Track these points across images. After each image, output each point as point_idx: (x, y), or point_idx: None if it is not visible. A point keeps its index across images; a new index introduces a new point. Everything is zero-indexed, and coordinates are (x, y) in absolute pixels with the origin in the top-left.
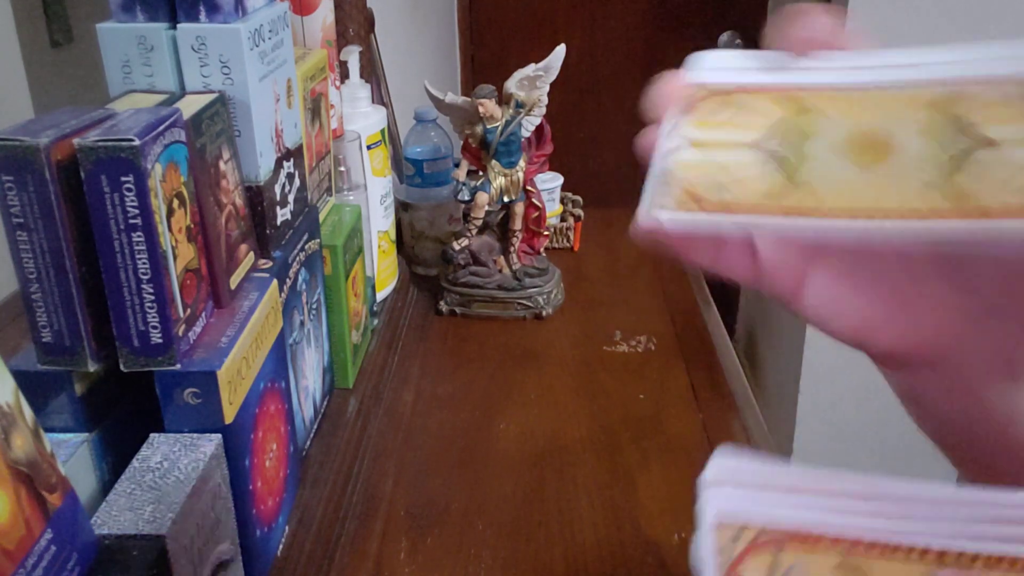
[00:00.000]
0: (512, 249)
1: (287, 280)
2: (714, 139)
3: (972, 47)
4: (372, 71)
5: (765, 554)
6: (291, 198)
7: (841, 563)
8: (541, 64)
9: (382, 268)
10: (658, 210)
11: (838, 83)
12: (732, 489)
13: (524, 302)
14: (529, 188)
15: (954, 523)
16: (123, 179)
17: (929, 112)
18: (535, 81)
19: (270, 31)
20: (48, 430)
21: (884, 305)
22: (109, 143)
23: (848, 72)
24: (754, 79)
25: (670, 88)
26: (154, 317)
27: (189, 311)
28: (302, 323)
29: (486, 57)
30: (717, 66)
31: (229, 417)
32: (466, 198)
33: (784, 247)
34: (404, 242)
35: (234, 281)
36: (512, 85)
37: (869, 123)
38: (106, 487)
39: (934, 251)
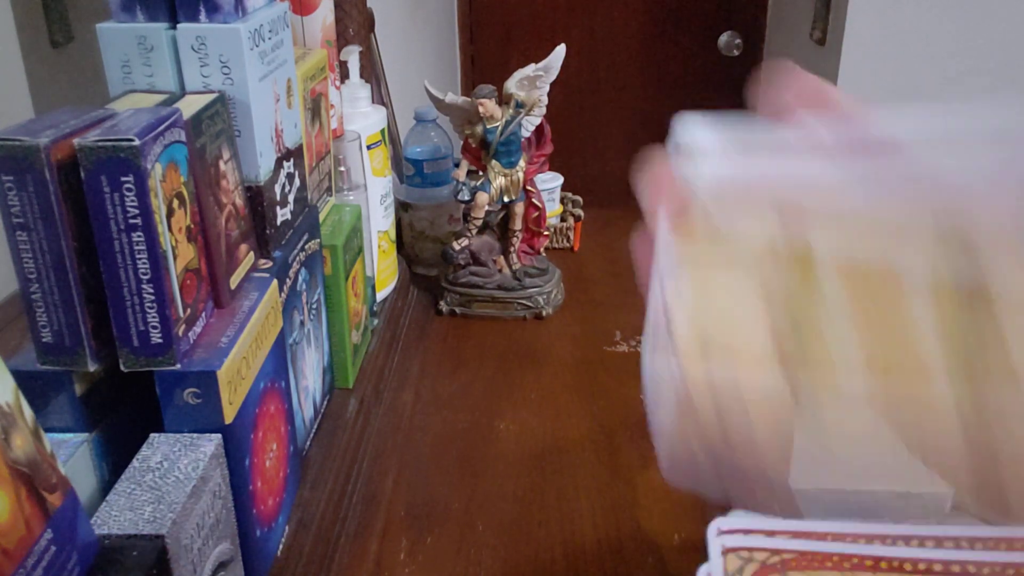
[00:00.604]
0: (512, 249)
1: (287, 280)
2: (713, 260)
3: (959, 112)
4: (372, 71)
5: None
6: (291, 198)
7: None
8: (541, 64)
9: (382, 268)
10: (666, 365)
11: (830, 182)
12: (739, 518)
13: (524, 302)
14: (529, 188)
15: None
16: (123, 179)
17: (940, 249)
18: (535, 81)
19: (270, 31)
20: (48, 430)
21: None
22: (109, 143)
23: (840, 159)
24: (742, 173)
25: (662, 184)
26: (154, 317)
27: (189, 311)
28: (302, 323)
29: (486, 57)
30: (704, 148)
31: (229, 417)
32: (466, 198)
33: None
34: (404, 242)
35: (234, 281)
36: (512, 85)
37: (871, 256)
38: (106, 487)
39: None
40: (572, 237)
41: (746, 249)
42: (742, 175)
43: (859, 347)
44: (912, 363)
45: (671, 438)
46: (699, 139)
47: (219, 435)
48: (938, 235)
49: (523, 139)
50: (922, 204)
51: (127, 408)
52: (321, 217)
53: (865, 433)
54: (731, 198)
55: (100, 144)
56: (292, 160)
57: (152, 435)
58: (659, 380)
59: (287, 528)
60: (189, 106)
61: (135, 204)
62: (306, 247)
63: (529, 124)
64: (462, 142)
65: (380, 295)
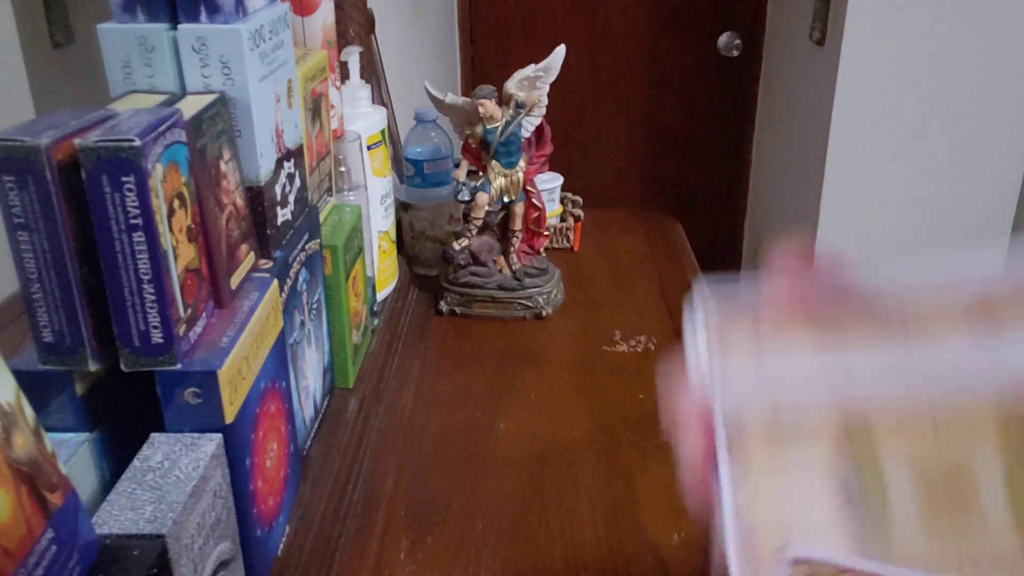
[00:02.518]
0: (512, 249)
1: (287, 280)
2: (778, 467)
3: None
4: (372, 71)
5: None
6: (291, 198)
7: None
8: (541, 64)
9: (382, 268)
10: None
11: (890, 391)
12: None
13: (524, 302)
14: (529, 188)
15: None
16: (124, 179)
17: (1004, 439)
18: (535, 81)
19: (271, 32)
20: (49, 430)
21: None
22: (110, 143)
23: (885, 368)
24: (784, 366)
25: (688, 412)
26: (155, 317)
27: (190, 311)
28: (302, 323)
29: (486, 57)
30: (718, 328)
31: (230, 417)
32: (466, 198)
33: None
34: (404, 242)
35: (235, 281)
36: (512, 85)
37: (942, 459)
38: (107, 487)
39: None
40: (572, 237)
41: (812, 455)
42: (789, 386)
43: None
44: (988, 556)
45: None
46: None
47: (220, 435)
48: (1005, 424)
49: (523, 139)
50: (983, 394)
51: (128, 408)
52: (321, 217)
53: None
54: (787, 414)
55: (101, 144)
56: (292, 160)
57: (153, 435)
58: None
59: (287, 528)
60: (190, 106)
61: (136, 204)
62: (306, 247)
63: (529, 124)
64: (462, 142)
65: (380, 295)
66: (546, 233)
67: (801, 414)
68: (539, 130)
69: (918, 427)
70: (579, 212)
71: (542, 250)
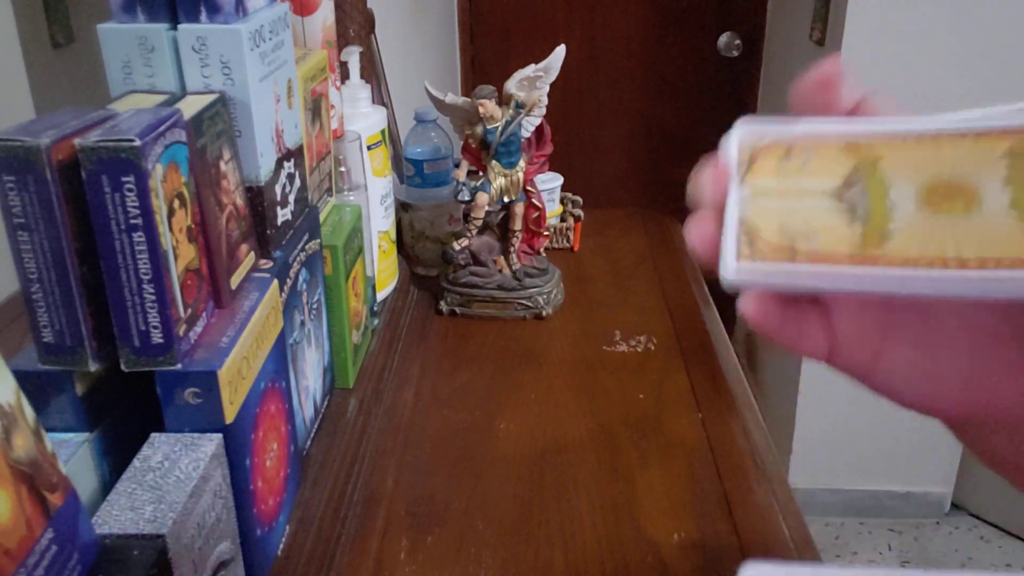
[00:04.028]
0: (512, 249)
1: (287, 280)
2: (787, 187)
3: None
4: (372, 71)
5: None
6: (291, 198)
7: None
8: (541, 64)
9: (382, 268)
10: (749, 263)
11: (903, 130)
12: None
13: (524, 302)
14: (529, 188)
15: None
16: (124, 179)
17: (1012, 160)
18: (535, 81)
19: (271, 32)
20: (49, 430)
21: (961, 373)
22: (110, 143)
23: (910, 122)
24: (812, 128)
25: (716, 171)
26: (155, 317)
27: (190, 311)
28: (302, 323)
29: (486, 57)
30: (762, 127)
31: (230, 417)
32: (466, 198)
33: (861, 316)
34: (404, 242)
35: (235, 281)
36: (512, 85)
37: (948, 173)
38: (107, 487)
39: None
40: (572, 237)
41: (823, 180)
42: (809, 129)
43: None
44: (983, 233)
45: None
46: (752, 125)
47: (220, 435)
48: (1015, 152)
49: (523, 139)
50: (991, 134)
51: (128, 408)
52: (321, 217)
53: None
54: (800, 144)
55: (101, 144)
56: (293, 160)
57: (153, 435)
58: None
59: (288, 528)
60: (190, 106)
61: (136, 204)
62: (306, 247)
63: (529, 124)
64: (462, 142)
65: (380, 295)
66: (546, 233)
67: (812, 148)
68: (539, 130)
69: (924, 146)
70: (579, 212)
71: (542, 250)
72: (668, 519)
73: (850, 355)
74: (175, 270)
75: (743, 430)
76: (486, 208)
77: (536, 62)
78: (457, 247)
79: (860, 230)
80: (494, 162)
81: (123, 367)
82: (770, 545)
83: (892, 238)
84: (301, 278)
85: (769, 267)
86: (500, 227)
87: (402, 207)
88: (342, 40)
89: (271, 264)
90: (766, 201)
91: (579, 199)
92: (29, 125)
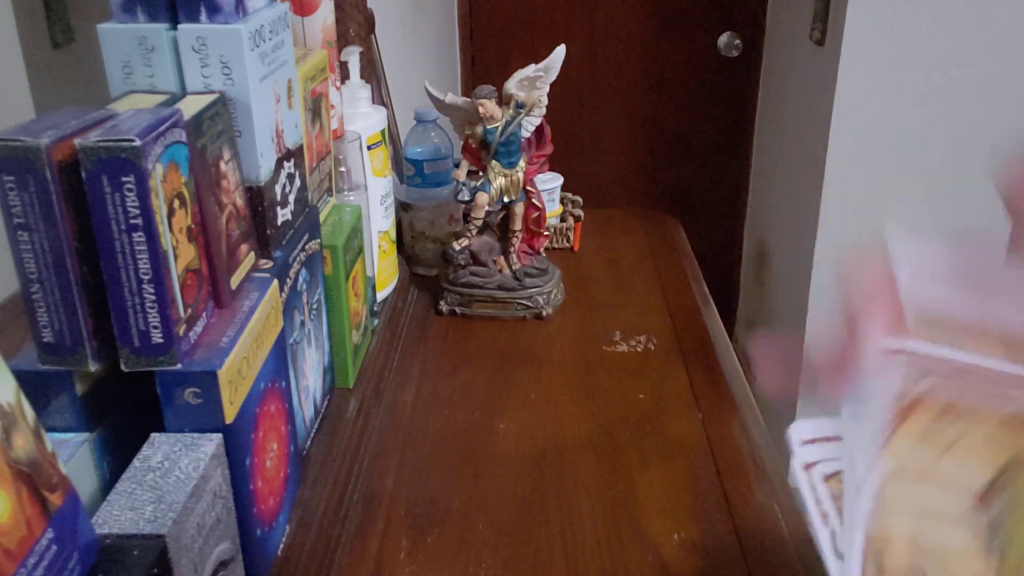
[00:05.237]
0: (512, 249)
1: (287, 280)
2: (928, 469)
3: None
4: (372, 72)
5: None
6: (291, 198)
7: None
8: (541, 64)
9: (382, 268)
10: None
11: None
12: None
13: (524, 302)
14: (529, 188)
15: None
16: (124, 179)
17: None
18: (535, 81)
19: (271, 32)
20: (49, 430)
21: None
22: (110, 143)
23: None
24: (979, 365)
25: (874, 287)
26: (155, 317)
27: (190, 311)
28: (302, 323)
29: (486, 57)
30: (915, 269)
31: (230, 417)
32: (466, 198)
33: None
34: (404, 242)
35: (235, 281)
36: (512, 85)
37: None
38: (107, 487)
39: None
40: (572, 237)
41: (964, 473)
42: (961, 312)
43: None
44: None
45: None
46: (908, 254)
47: (220, 435)
48: None
49: (523, 139)
50: None
51: (128, 408)
52: (321, 217)
53: None
54: (959, 405)
55: (101, 144)
56: (293, 160)
57: (153, 435)
58: None
59: (288, 528)
60: (190, 106)
61: (136, 204)
62: (306, 247)
63: (529, 124)
64: (462, 142)
65: (380, 295)
66: (546, 233)
67: (969, 417)
68: (539, 130)
69: None
70: (579, 212)
71: (542, 250)
72: (668, 519)
73: None
74: (175, 270)
75: (743, 430)
76: (486, 208)
77: (536, 62)
78: (457, 247)
79: (995, 565)
80: (494, 162)
81: (123, 367)
82: (770, 545)
83: None
84: (301, 278)
85: None
86: (500, 227)
87: (402, 207)
88: (342, 40)
89: (271, 264)
90: (902, 489)
91: (579, 199)
92: (29, 125)
